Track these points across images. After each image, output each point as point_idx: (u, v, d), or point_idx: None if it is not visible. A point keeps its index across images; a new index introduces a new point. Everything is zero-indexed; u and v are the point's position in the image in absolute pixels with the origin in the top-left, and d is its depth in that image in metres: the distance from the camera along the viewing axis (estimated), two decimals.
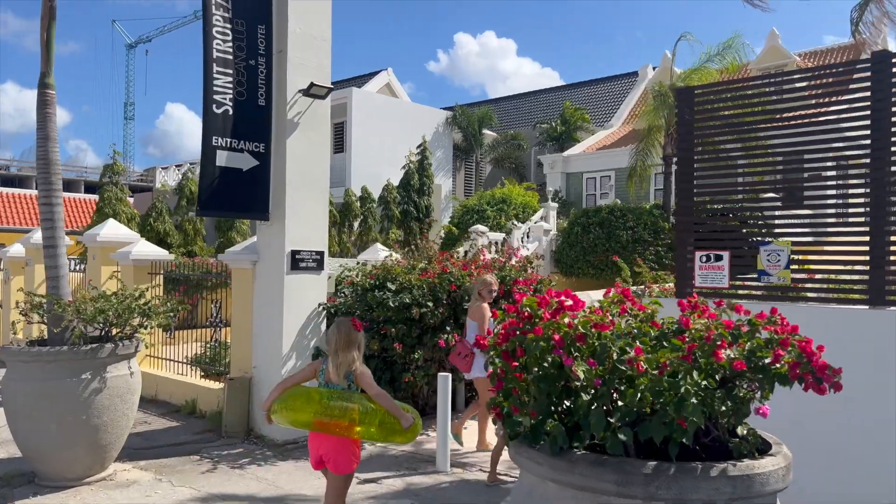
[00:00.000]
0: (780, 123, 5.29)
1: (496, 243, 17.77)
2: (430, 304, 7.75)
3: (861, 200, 4.87)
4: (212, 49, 7.30)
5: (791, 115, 5.23)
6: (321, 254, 7.95)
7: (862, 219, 4.90)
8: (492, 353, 3.01)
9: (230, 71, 7.44)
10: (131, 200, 21.63)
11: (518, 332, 2.71)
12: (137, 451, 7.09)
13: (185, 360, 9.65)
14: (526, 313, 2.74)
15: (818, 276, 5.19)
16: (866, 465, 4.48)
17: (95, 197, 23.79)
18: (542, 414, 2.69)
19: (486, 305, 6.76)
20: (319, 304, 7.91)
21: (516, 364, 2.74)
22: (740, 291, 5.52)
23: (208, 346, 9.72)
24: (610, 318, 2.66)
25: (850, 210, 5.03)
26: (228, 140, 7.43)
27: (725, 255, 5.56)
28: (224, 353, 9.23)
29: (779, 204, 5.49)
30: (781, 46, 26.58)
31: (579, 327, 2.55)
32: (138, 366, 6.51)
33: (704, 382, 2.49)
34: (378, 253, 10.64)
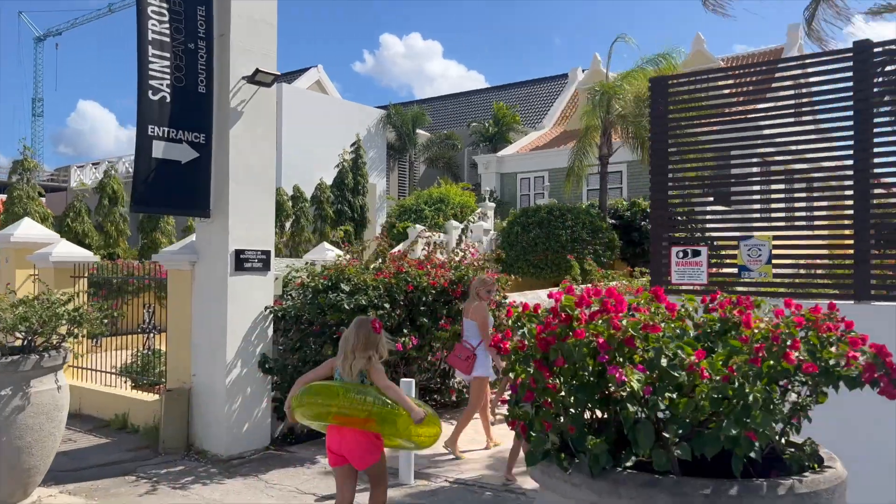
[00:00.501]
0: (763, 114, 5.16)
1: (438, 243, 17.45)
2: (387, 305, 7.33)
3: (847, 193, 4.77)
4: (147, 29, 6.67)
5: (775, 105, 5.10)
6: (267, 253, 7.41)
7: (847, 212, 4.80)
8: (513, 358, 2.67)
9: (167, 54, 6.82)
10: (43, 200, 20.20)
11: (556, 338, 2.36)
12: (65, 474, 6.38)
13: (112, 371, 8.88)
14: (563, 315, 2.39)
15: (802, 272, 5.08)
16: (865, 466, 4.35)
17: (2, 196, 22.16)
18: (579, 429, 2.35)
19: (486, 305, 6.76)
20: (266, 308, 7.37)
21: (550, 373, 2.40)
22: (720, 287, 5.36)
23: (139, 354, 8.98)
24: (657, 318, 2.34)
25: (835, 203, 4.93)
26: (166, 129, 6.80)
27: (703, 250, 5.40)
28: (157, 362, 8.53)
29: (757, 197, 5.37)
30: (706, 51, 27.32)
31: (629, 329, 2.22)
32: (66, 379, 5.83)
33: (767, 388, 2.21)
34: (325, 252, 10.11)
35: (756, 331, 2.25)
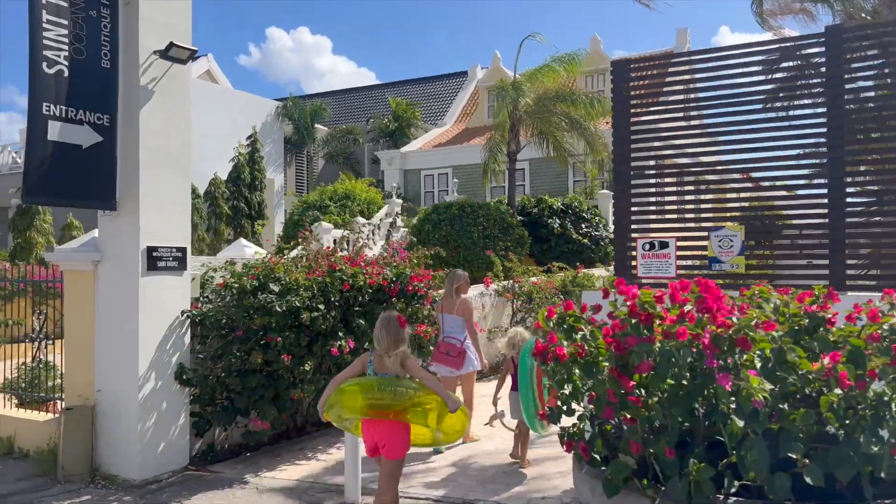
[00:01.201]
0: (729, 100, 5.00)
1: (345, 241, 16.81)
2: (322, 307, 6.72)
3: (821, 181, 4.69)
4: None
5: (745, 91, 4.96)
6: (183, 250, 6.62)
7: (821, 201, 4.72)
8: (551, 364, 2.25)
9: (65, 22, 5.92)
10: None
11: (637, 338, 1.95)
12: None
13: None
14: (644, 314, 1.99)
15: (779, 262, 4.97)
16: None
17: None
18: (674, 449, 1.95)
19: (470, 299, 7.02)
20: (183, 312, 6.57)
21: (631, 383, 1.99)
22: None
23: (25, 366, 7.85)
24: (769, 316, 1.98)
25: (811, 192, 4.84)
26: (64, 108, 5.90)
27: (671, 241, 5.19)
28: (49, 375, 7.48)
29: (735, 186, 5.22)
30: (602, 51, 28.04)
31: (743, 327, 1.84)
32: None
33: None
34: (243, 249, 9.27)
35: (886, 326, 1.93)
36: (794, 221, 5.06)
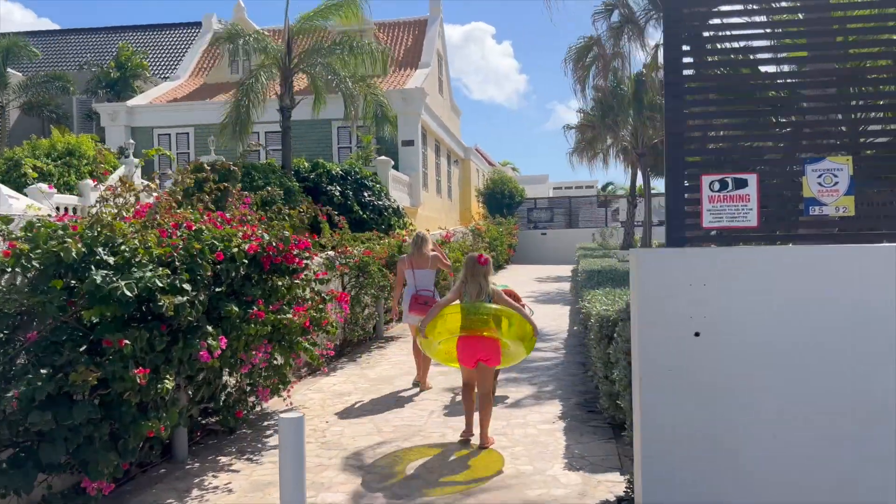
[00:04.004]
0: None
1: (76, 209, 13.10)
2: (188, 286, 4.26)
3: None
4: None
5: None
6: None
7: None
8: None
9: None
10: None
11: None
12: None
13: None
14: None
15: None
16: None
17: None
18: None
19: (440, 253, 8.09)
20: None
21: None
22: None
23: None
24: None
25: None
26: None
27: (752, 178, 3.91)
28: None
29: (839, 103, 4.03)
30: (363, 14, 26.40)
31: None
32: None
33: None
34: (9, 203, 5.95)
35: None
36: None
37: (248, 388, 5.82)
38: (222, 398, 5.63)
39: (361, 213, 17.25)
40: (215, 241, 4.56)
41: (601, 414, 6.18)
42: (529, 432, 5.86)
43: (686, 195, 3.98)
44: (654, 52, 13.97)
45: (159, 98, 24.74)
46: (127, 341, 3.85)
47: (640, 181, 24.46)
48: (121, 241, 4.11)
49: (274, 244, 5.06)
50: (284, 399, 6.24)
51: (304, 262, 5.56)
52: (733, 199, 3.88)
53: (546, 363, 8.88)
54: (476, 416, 5.53)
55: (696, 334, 3.55)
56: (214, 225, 4.86)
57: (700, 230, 3.94)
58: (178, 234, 4.52)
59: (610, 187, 57.74)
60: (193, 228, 4.59)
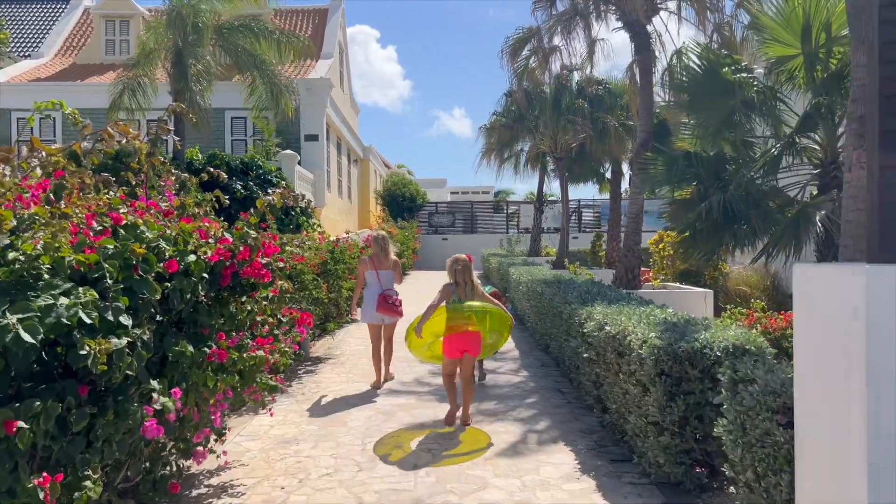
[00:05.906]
0: None
1: None
2: (128, 320, 2.59)
3: None
4: None
5: None
6: None
7: None
8: None
9: None
10: None
11: None
12: None
13: None
14: None
15: None
16: None
17: None
18: None
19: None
20: None
21: None
22: None
23: None
24: None
25: None
26: None
27: None
28: None
29: None
30: None
31: None
32: None
33: None
34: None
35: None
36: None
37: (181, 447, 4.11)
38: (145, 466, 3.89)
39: None
40: (163, 244, 2.91)
41: (629, 462, 5.00)
42: (558, 497, 4.54)
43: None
44: (592, 46, 13.06)
45: (20, 77, 21.48)
46: (21, 423, 2.16)
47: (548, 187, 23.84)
48: (6, 241, 2.40)
49: (241, 249, 3.43)
50: (217, 455, 4.59)
51: (272, 274, 3.94)
52: None
53: (518, 389, 7.62)
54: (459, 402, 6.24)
55: None
56: (149, 218, 3.19)
57: None
58: (99, 229, 2.84)
59: (500, 194, 57.71)
60: (123, 222, 2.91)
